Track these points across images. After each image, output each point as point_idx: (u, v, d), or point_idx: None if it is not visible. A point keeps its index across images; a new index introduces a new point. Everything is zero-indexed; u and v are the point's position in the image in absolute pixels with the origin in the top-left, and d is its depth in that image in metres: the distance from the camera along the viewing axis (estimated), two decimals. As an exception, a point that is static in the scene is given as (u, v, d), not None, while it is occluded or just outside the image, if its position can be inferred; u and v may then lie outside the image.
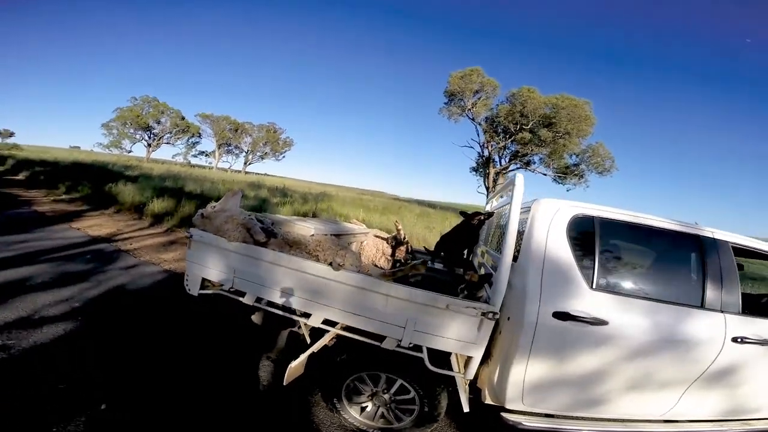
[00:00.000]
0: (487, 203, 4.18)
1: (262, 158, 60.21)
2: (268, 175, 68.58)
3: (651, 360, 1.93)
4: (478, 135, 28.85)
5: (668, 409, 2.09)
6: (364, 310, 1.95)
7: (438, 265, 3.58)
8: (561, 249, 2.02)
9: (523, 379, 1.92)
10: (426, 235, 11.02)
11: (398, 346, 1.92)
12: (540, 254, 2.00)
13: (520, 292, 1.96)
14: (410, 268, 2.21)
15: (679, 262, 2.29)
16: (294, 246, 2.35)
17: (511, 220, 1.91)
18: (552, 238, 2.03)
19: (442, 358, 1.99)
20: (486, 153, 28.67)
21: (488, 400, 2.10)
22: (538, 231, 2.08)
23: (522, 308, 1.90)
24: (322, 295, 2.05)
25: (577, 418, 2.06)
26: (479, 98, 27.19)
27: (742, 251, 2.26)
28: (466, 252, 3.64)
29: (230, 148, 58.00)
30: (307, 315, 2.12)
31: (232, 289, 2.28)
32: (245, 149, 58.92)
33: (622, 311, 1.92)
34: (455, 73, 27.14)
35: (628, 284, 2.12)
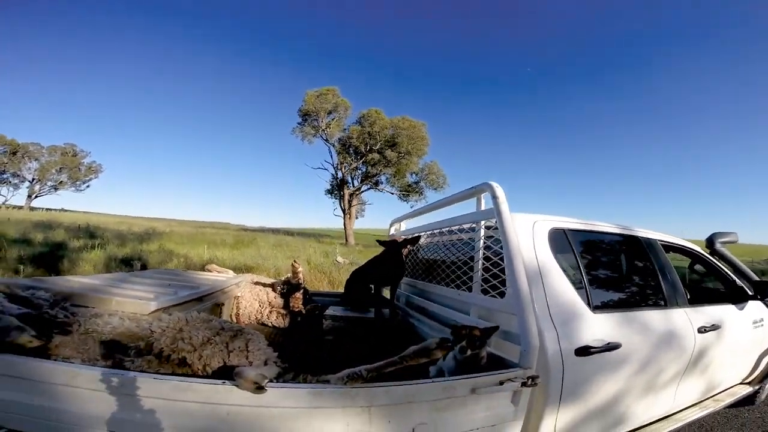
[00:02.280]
0: (391, 227, 3.54)
1: (56, 189, 46.08)
2: (67, 210, 52.18)
3: (655, 366, 1.91)
4: (331, 156, 29.03)
5: (670, 405, 2.12)
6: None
7: (342, 310, 2.70)
8: (554, 272, 1.73)
9: (554, 427, 1.62)
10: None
11: None
12: (539, 283, 1.63)
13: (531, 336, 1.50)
14: (427, 352, 1.31)
15: (635, 266, 2.26)
16: (117, 343, 1.07)
17: (510, 242, 1.56)
18: (543, 261, 1.71)
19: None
20: (340, 174, 29.09)
21: None
22: (527, 254, 1.69)
23: (545, 356, 1.52)
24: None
25: None
26: (333, 118, 27.32)
27: (667, 247, 2.42)
28: (388, 289, 2.87)
29: (4, 176, 41.85)
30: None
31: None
32: (29, 177, 43.81)
33: (623, 327, 1.82)
34: (311, 91, 26.76)
35: (615, 298, 2.03)
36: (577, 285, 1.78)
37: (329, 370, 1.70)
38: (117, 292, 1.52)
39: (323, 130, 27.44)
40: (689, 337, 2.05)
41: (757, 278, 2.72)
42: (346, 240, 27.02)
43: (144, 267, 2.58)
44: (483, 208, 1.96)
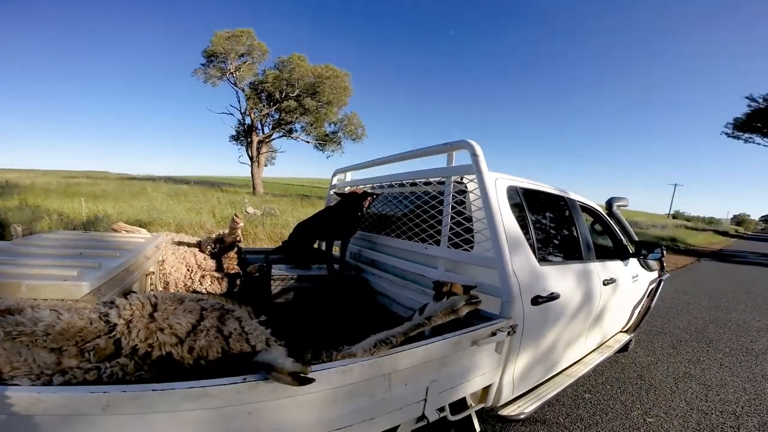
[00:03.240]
0: (334, 176, 3.33)
1: None
2: None
3: (578, 314, 2.13)
4: (239, 101, 26.01)
5: (583, 351, 2.43)
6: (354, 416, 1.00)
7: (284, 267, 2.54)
8: (514, 228, 1.83)
9: (513, 372, 1.79)
10: (202, 220, 8.74)
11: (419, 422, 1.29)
12: (503, 237, 1.64)
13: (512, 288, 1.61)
14: (454, 309, 1.27)
15: (564, 223, 2.50)
16: (64, 346, 0.79)
17: (491, 200, 1.63)
18: (505, 218, 1.77)
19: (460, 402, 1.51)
20: (248, 120, 26.30)
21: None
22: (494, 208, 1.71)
23: (510, 304, 1.58)
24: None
25: (544, 382, 2.12)
26: (245, 62, 24.48)
27: (582, 207, 2.68)
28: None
29: None
30: None
31: None
32: None
33: (558, 279, 1.98)
34: (221, 32, 23.37)
35: (551, 252, 2.27)
36: (528, 239, 1.91)
37: (319, 339, 1.58)
38: (19, 273, 1.09)
39: (231, 72, 24.36)
40: (597, 289, 2.29)
41: (637, 239, 3.07)
42: (254, 189, 25.29)
43: (28, 233, 1.94)
44: (453, 164, 1.96)
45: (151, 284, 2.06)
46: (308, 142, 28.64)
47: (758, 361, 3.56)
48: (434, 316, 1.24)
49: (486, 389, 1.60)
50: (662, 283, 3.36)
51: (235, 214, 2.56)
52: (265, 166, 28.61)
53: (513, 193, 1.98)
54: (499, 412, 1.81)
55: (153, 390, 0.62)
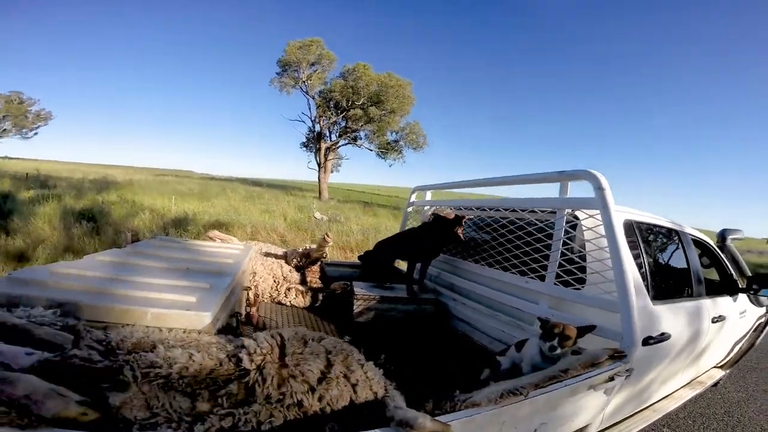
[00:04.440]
0: (412, 194, 3.25)
1: (-1, 137, 39.70)
2: (11, 158, 46.77)
3: (683, 352, 2.01)
4: (310, 109, 27.65)
5: (675, 386, 2.24)
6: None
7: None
8: (633, 267, 1.66)
9: (606, 409, 1.60)
10: (274, 223, 9.27)
11: None
12: (629, 280, 1.52)
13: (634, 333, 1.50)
14: (595, 363, 1.27)
15: (675, 258, 2.33)
16: (198, 390, 0.78)
17: (617, 237, 1.51)
18: (627, 257, 1.61)
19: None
20: (318, 128, 27.78)
21: None
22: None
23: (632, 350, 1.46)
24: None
25: (630, 416, 1.93)
26: (315, 71, 25.94)
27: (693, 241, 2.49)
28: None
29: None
30: None
31: None
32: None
33: (669, 318, 1.84)
34: (294, 42, 25.11)
35: (664, 289, 2.09)
36: (642, 277, 1.78)
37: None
38: (142, 298, 1.15)
39: (303, 81, 25.91)
40: (706, 327, 2.15)
41: (750, 273, 2.86)
42: (320, 194, 26.44)
43: (136, 238, 2.15)
44: (568, 194, 1.83)
45: (247, 300, 2.15)
46: (371, 149, 29.33)
47: None
48: (572, 369, 1.17)
49: (583, 428, 1.49)
50: None
51: (326, 233, 2.61)
52: (332, 172, 29.88)
53: (628, 227, 1.83)
54: None
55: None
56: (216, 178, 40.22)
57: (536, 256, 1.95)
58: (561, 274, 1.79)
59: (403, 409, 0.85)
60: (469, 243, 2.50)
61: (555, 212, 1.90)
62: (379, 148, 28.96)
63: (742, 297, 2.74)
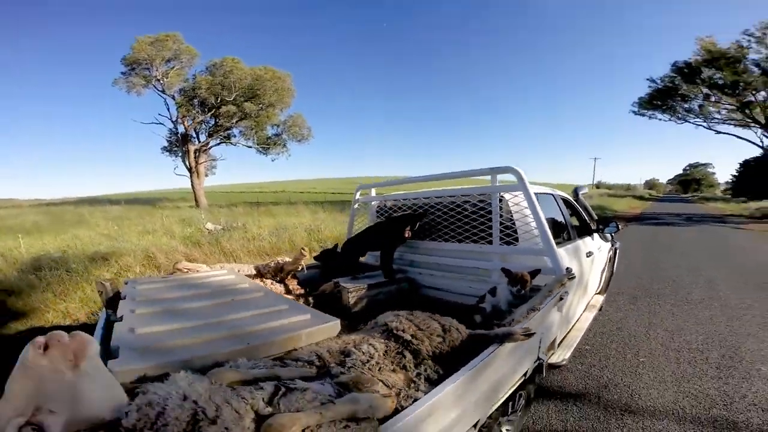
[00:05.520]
0: (356, 192, 3.62)
1: None
2: None
3: (579, 283, 2.68)
4: (168, 110, 24.01)
5: (580, 310, 3.02)
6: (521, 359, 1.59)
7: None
8: (545, 223, 2.32)
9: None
10: (173, 244, 8.13)
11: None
12: (549, 234, 2.19)
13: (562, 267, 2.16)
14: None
15: (556, 213, 3.06)
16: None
17: (537, 209, 2.22)
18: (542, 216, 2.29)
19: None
20: (181, 129, 24.39)
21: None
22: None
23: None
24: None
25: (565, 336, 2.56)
26: (172, 67, 22.78)
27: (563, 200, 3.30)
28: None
29: None
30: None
31: None
32: None
33: (568, 257, 2.53)
34: (143, 37, 21.49)
35: (560, 236, 2.81)
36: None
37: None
38: (289, 324, 1.35)
39: (158, 80, 22.46)
40: (586, 261, 2.89)
41: (596, 217, 3.71)
42: (197, 202, 23.46)
43: (113, 285, 1.87)
44: (498, 183, 2.50)
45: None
46: (249, 146, 27.38)
47: (698, 309, 4.38)
48: (544, 294, 1.88)
49: (553, 342, 2.08)
50: (617, 251, 4.18)
51: (302, 248, 2.77)
52: (206, 176, 26.77)
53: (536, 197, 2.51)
54: (548, 361, 2.18)
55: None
56: (53, 203, 31.37)
57: (480, 227, 2.57)
58: (503, 237, 2.43)
59: (497, 330, 1.33)
60: (427, 225, 3.05)
61: (487, 195, 2.53)
62: (259, 144, 27.25)
63: (596, 236, 3.55)
